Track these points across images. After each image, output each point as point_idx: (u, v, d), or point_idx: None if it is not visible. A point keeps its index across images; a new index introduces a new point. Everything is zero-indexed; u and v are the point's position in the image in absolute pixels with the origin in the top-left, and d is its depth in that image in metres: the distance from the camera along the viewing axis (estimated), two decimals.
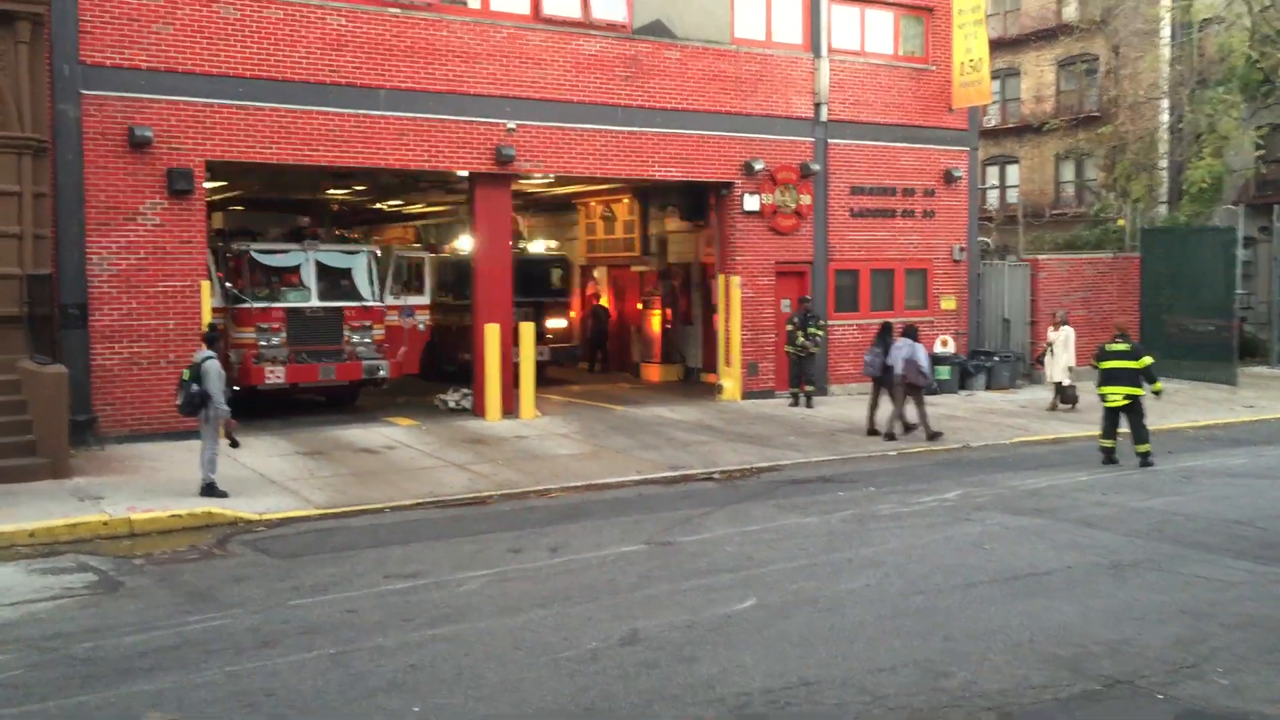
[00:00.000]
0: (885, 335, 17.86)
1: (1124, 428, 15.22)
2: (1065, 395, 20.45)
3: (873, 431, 17.53)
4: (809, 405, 20.33)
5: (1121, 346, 15.19)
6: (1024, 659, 7.50)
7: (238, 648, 7.83)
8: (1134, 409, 15.01)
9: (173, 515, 11.88)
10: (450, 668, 7.39)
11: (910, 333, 17.54)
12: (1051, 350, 20.80)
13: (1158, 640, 7.86)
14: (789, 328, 20.45)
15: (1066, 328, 20.84)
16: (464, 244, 23.19)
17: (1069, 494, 13.16)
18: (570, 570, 9.89)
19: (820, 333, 20.68)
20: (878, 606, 8.67)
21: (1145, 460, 14.93)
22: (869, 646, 7.75)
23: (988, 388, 23.07)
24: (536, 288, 23.56)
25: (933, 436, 17.17)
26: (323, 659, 7.58)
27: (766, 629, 8.13)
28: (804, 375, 20.50)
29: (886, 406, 17.65)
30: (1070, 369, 20.48)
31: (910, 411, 17.44)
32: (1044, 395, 21.59)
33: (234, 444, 13.08)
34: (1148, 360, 15.12)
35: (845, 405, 20.68)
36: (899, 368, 17.10)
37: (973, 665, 7.37)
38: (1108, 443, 15.22)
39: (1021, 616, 8.40)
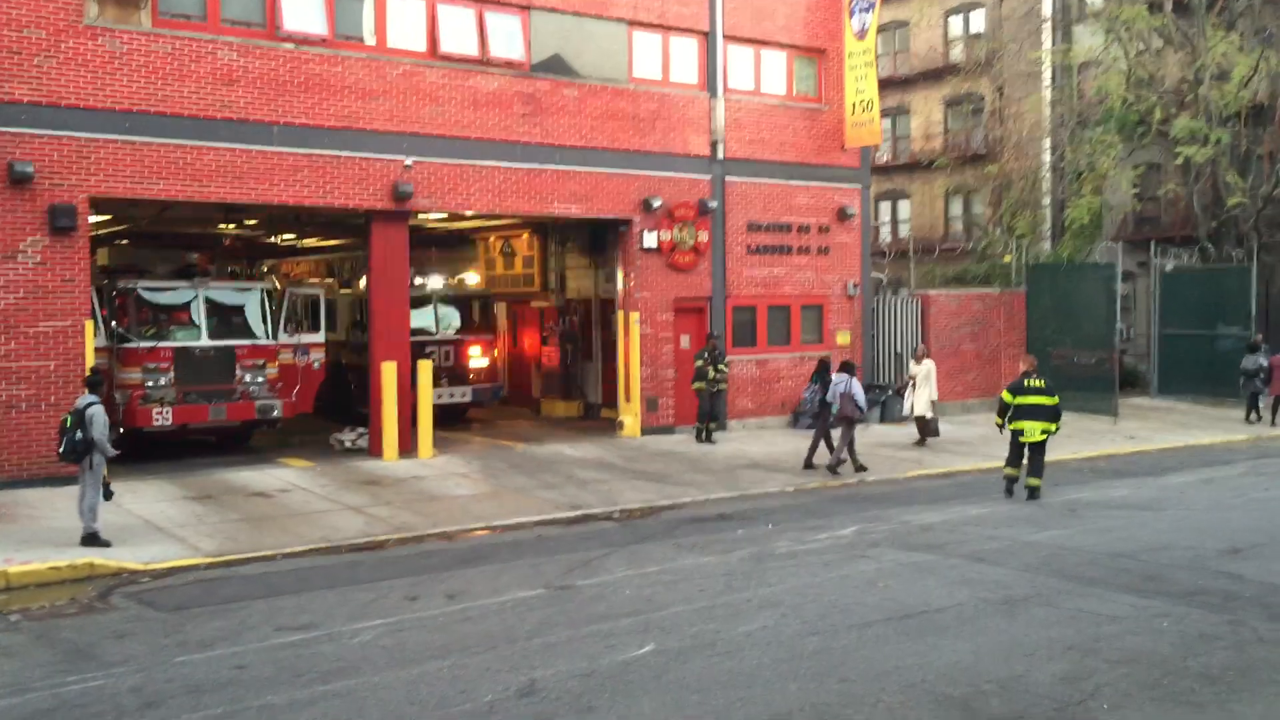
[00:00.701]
0: (823, 372, 18.39)
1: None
2: (928, 428, 20.66)
3: (808, 465, 17.84)
4: (710, 440, 20.43)
5: (1038, 383, 15.62)
6: (918, 700, 7.61)
7: (119, 710, 7.55)
8: (1039, 445, 15.49)
9: (51, 567, 11.42)
10: None
11: (847, 368, 18.05)
12: (913, 384, 20.84)
13: (1046, 677, 8.05)
14: (699, 363, 20.40)
15: (928, 360, 21.02)
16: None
17: (961, 528, 13.44)
18: (468, 618, 9.76)
19: (725, 369, 20.84)
20: (775, 649, 8.72)
21: (1034, 494, 15.38)
22: (766, 691, 7.79)
23: (882, 420, 23.49)
24: (458, 325, 23.16)
25: (855, 469, 17.58)
26: None
27: (665, 675, 8.12)
28: (713, 411, 20.52)
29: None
30: (933, 402, 20.71)
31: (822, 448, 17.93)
32: (942, 428, 21.96)
33: (107, 495, 12.53)
34: (1057, 398, 15.65)
35: (744, 440, 20.87)
36: (836, 402, 17.48)
37: (867, 708, 7.46)
38: (1012, 471, 15.69)
39: (915, 656, 8.53)
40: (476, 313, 23.83)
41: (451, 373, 22.39)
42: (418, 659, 8.57)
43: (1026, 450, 15.57)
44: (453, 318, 23.13)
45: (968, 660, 8.42)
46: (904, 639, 8.97)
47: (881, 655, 8.56)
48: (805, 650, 8.69)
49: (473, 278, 25.40)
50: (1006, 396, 15.86)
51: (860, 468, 17.64)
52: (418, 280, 22.53)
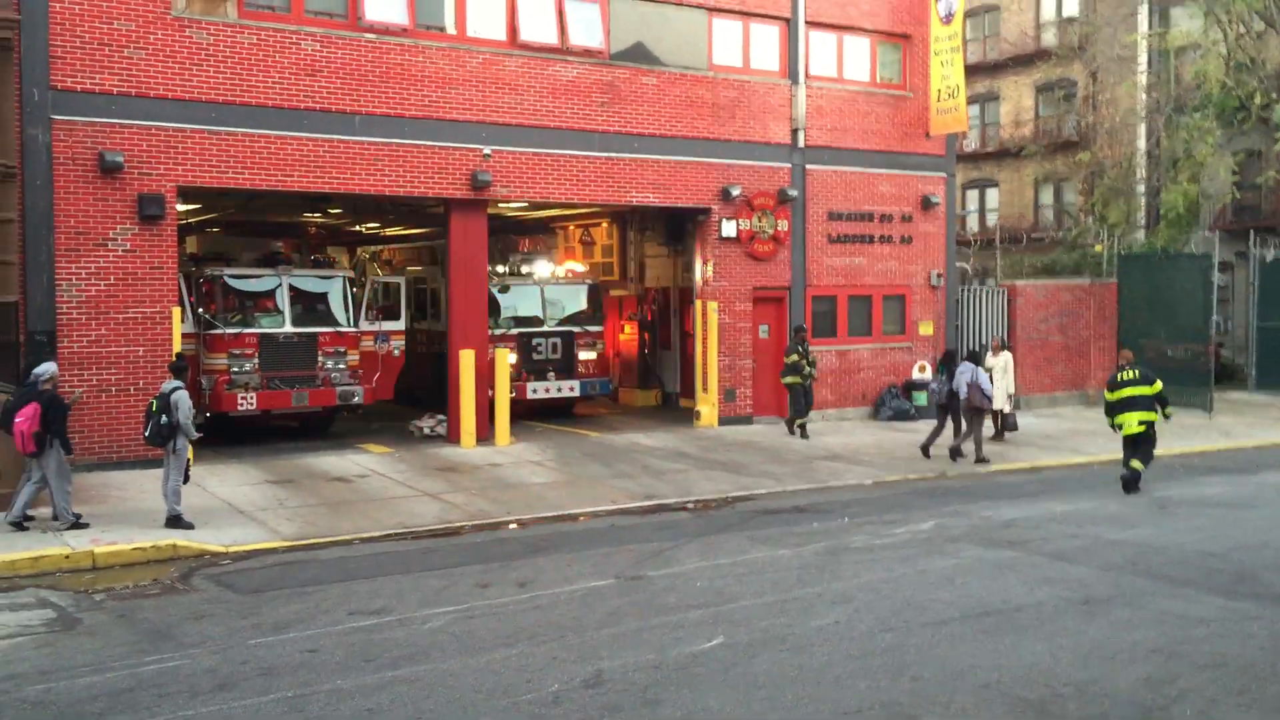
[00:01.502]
0: (949, 362, 18.52)
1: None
2: (1006, 422, 20.12)
3: (925, 455, 17.95)
4: (805, 435, 19.93)
5: (1132, 374, 15.40)
6: (991, 702, 7.40)
7: (193, 690, 7.68)
8: (1149, 435, 15.25)
9: (136, 548, 11.70)
10: (408, 712, 7.26)
11: (974, 358, 18.26)
12: (990, 377, 20.12)
13: (1126, 681, 7.78)
14: (793, 358, 19.93)
15: (1005, 353, 20.49)
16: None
17: (1044, 525, 13.10)
18: (538, 606, 9.76)
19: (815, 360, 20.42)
20: (846, 645, 8.57)
21: (1135, 478, 15.19)
22: (836, 688, 7.65)
23: (937, 416, 22.96)
24: (566, 316, 22.45)
25: (980, 460, 17.59)
26: (280, 702, 7.43)
27: (733, 669, 8.02)
28: (806, 403, 20.12)
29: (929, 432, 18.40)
30: (1010, 395, 20.15)
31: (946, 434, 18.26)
32: (1023, 422, 21.50)
33: (185, 478, 12.78)
34: (1159, 384, 15.40)
35: (824, 432, 20.60)
36: (963, 391, 17.55)
37: (939, 709, 7.28)
38: (1133, 466, 15.32)
39: (990, 655, 8.31)
40: (586, 302, 22.93)
41: (559, 365, 21.90)
42: (486, 647, 8.58)
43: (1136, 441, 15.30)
44: (563, 306, 22.47)
45: (1045, 662, 8.18)
46: (980, 638, 8.75)
47: (956, 654, 8.36)
48: (877, 647, 8.52)
49: (579, 266, 24.34)
50: (1107, 394, 15.68)
51: (982, 459, 17.60)
52: (524, 268, 22.39)
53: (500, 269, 21.94)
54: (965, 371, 17.69)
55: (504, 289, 21.67)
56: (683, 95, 20.41)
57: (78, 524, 12.31)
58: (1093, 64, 34.88)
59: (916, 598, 9.92)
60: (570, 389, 21.92)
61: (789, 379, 20.15)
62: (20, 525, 12.24)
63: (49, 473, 12.31)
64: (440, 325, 21.59)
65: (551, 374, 21.63)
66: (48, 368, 12.65)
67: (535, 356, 21.67)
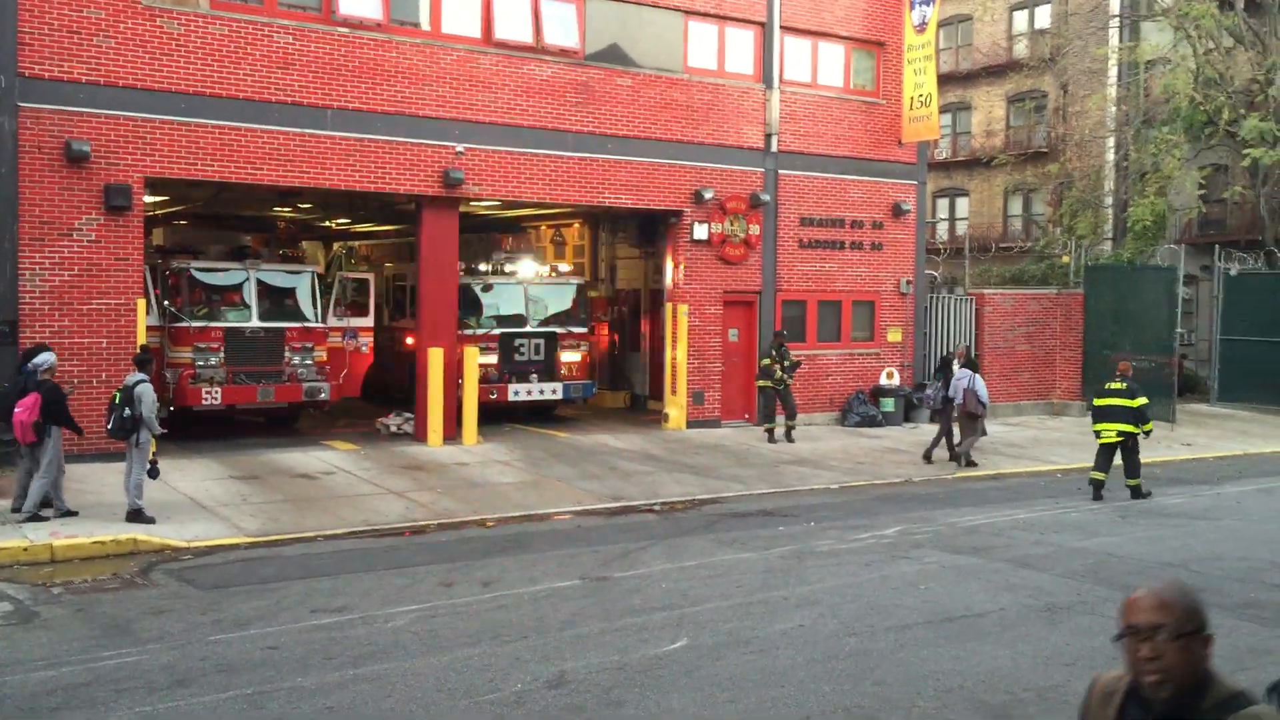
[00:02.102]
0: (946, 368, 18.89)
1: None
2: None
3: (927, 460, 18.25)
4: (790, 439, 19.92)
5: (1119, 386, 15.70)
6: (953, 706, 7.43)
7: (150, 686, 7.58)
8: (1129, 446, 15.56)
9: (96, 541, 11.56)
10: (370, 710, 7.20)
11: (971, 364, 18.49)
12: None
13: (1086, 687, 7.81)
14: (765, 362, 20.14)
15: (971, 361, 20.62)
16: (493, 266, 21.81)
17: (1007, 532, 13.19)
18: (501, 606, 9.71)
19: (792, 365, 20.31)
20: (810, 649, 8.58)
21: (1136, 492, 15.52)
22: (799, 691, 7.65)
23: (932, 420, 23.12)
24: (550, 316, 21.77)
25: (969, 464, 17.95)
26: (239, 699, 7.36)
27: (696, 671, 8.01)
28: (785, 407, 20.10)
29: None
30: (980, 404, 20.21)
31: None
32: (989, 430, 21.57)
33: (153, 474, 12.66)
34: (1143, 400, 15.65)
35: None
36: (959, 397, 17.85)
37: (902, 712, 7.30)
38: (1099, 475, 15.62)
39: (953, 660, 8.35)
40: (571, 302, 22.17)
41: (542, 367, 21.23)
42: (449, 646, 8.53)
43: (1118, 453, 15.58)
44: (547, 306, 21.76)
45: (1007, 667, 8.23)
46: (943, 643, 8.79)
47: (919, 658, 8.39)
48: (841, 651, 8.54)
49: (565, 265, 23.55)
50: (1094, 401, 16.06)
51: (970, 463, 17.96)
52: (508, 267, 21.74)
53: (483, 267, 21.47)
54: (963, 378, 17.98)
55: (486, 288, 21.16)
56: (657, 97, 20.42)
57: (69, 513, 12.38)
58: (1063, 76, 35.19)
59: (880, 602, 9.96)
60: (553, 391, 21.29)
61: (760, 382, 20.31)
62: (36, 517, 12.23)
63: (43, 463, 12.21)
64: (367, 321, 21.15)
65: (534, 376, 21.07)
66: (46, 358, 12.57)
67: (518, 358, 21.01)
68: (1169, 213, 30.80)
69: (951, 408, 18.20)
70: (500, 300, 21.33)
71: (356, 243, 27.19)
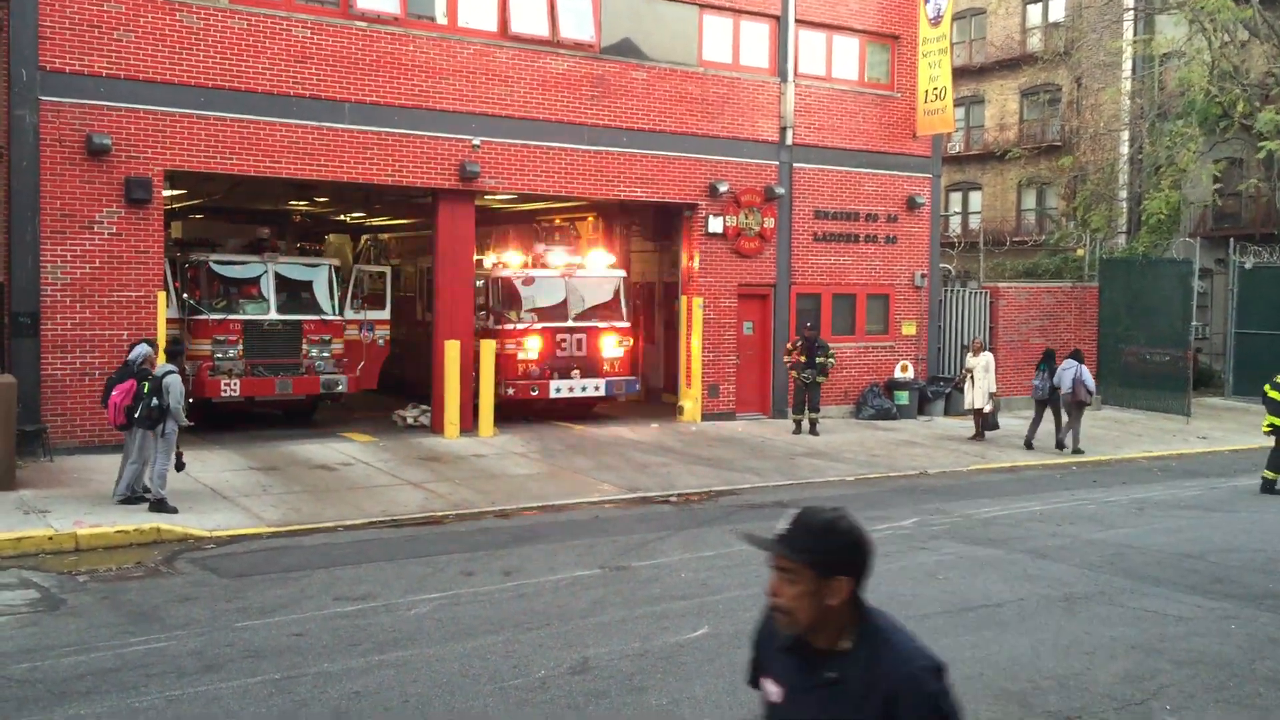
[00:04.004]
0: (1049, 360, 19.70)
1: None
2: (987, 422, 20.20)
3: (1029, 446, 19.22)
4: (814, 432, 20.00)
5: None
6: (974, 693, 7.48)
7: (179, 671, 7.68)
8: None
9: (120, 531, 11.67)
10: (395, 695, 7.29)
11: (1077, 355, 19.46)
12: (971, 377, 20.24)
13: (1106, 675, 7.88)
14: (792, 354, 20.43)
15: (986, 353, 20.52)
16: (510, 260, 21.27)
17: (1024, 523, 13.23)
18: (523, 595, 9.80)
19: (825, 361, 20.27)
20: None
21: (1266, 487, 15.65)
22: None
23: (946, 413, 23.19)
24: (590, 311, 20.97)
25: (1078, 451, 18.86)
26: (266, 684, 7.45)
27: (718, 659, 8.07)
28: (809, 401, 20.18)
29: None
30: (992, 395, 20.19)
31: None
32: (1003, 423, 21.60)
33: (179, 466, 12.80)
34: None
35: (806, 429, 20.66)
36: (1066, 386, 18.85)
37: None
38: (1269, 474, 15.63)
39: (973, 649, 8.40)
40: (612, 296, 21.39)
41: (584, 363, 20.48)
42: (472, 633, 8.62)
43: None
44: (589, 300, 20.99)
45: (1026, 656, 8.28)
46: (962, 632, 8.84)
47: (939, 647, 8.31)
48: None
49: (607, 257, 22.25)
50: (1267, 390, 16.03)
51: (1078, 450, 18.82)
52: (550, 259, 21.05)
53: (524, 259, 20.97)
54: (1070, 368, 18.87)
55: (527, 281, 20.58)
56: (672, 90, 20.46)
57: (140, 498, 12.81)
58: (1077, 69, 35.09)
59: (899, 592, 10.00)
60: (596, 388, 20.52)
61: (791, 372, 20.67)
62: (134, 499, 12.76)
63: (150, 449, 12.67)
64: (384, 314, 20.91)
65: (576, 372, 20.31)
66: (141, 350, 13.19)
67: (560, 353, 20.28)
68: (1183, 206, 30.75)
69: (1057, 396, 19.12)
70: (541, 294, 20.63)
71: (385, 235, 27.11)
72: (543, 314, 20.48)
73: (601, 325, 20.85)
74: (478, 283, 20.11)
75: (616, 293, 21.42)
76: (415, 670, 7.75)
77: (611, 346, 20.88)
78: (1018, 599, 9.85)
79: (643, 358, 24.89)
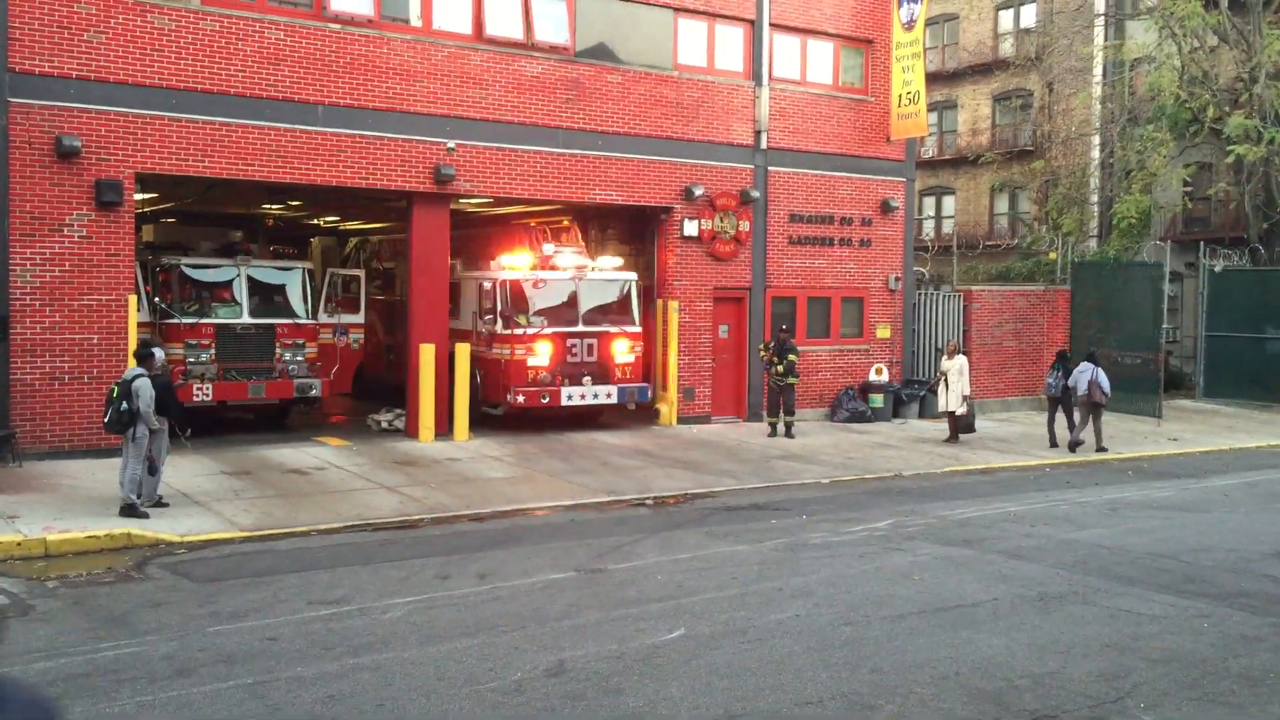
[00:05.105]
0: (1063, 360, 20.38)
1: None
2: (963, 424, 20.33)
3: (1054, 444, 19.89)
4: (789, 435, 20.07)
5: None
6: (950, 692, 7.50)
7: (151, 676, 7.60)
8: None
9: (90, 536, 11.55)
10: (370, 699, 7.23)
11: (1092, 357, 19.95)
12: (945, 380, 20.37)
13: (1081, 674, 7.92)
14: (762, 355, 20.68)
15: (960, 356, 20.65)
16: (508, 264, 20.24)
17: (998, 524, 13.28)
18: (498, 598, 9.75)
19: (792, 360, 20.28)
20: (806, 638, 8.64)
21: None
22: (797, 679, 7.71)
23: (921, 416, 23.28)
24: (601, 314, 20.24)
25: (1101, 449, 19.46)
26: (239, 689, 7.38)
27: (694, 660, 8.06)
28: (783, 404, 20.23)
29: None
30: (966, 398, 20.31)
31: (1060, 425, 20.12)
32: (977, 425, 21.70)
33: (153, 471, 12.69)
34: None
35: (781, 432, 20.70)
36: (1082, 388, 19.37)
37: (899, 699, 7.37)
38: None
39: (948, 648, 8.42)
40: (622, 298, 20.60)
41: (595, 369, 19.73)
42: (447, 636, 8.57)
43: None
44: (599, 304, 20.23)
45: (1001, 655, 8.30)
46: (937, 632, 8.86)
47: (914, 647, 8.46)
48: (837, 640, 8.60)
49: (616, 259, 21.37)
50: None
51: (1101, 449, 19.45)
52: (558, 261, 20.08)
53: (529, 261, 20.01)
54: (1086, 370, 19.38)
55: (537, 284, 19.69)
56: (647, 94, 20.46)
57: (160, 504, 12.84)
58: (1049, 75, 35.35)
59: (875, 593, 10.03)
60: (608, 395, 19.67)
61: (766, 373, 20.73)
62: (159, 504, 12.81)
63: (156, 449, 12.67)
64: (358, 318, 20.77)
65: (588, 379, 19.54)
66: (154, 354, 13.24)
67: (570, 359, 19.49)
68: (1154, 210, 31.01)
69: (1070, 397, 19.66)
70: (549, 297, 19.76)
71: (377, 238, 26.84)
72: (552, 318, 19.62)
73: (613, 330, 20.12)
74: (484, 285, 19.83)
75: (627, 295, 20.60)
76: (390, 674, 7.69)
77: (623, 352, 20.16)
78: (992, 599, 9.88)
79: None
